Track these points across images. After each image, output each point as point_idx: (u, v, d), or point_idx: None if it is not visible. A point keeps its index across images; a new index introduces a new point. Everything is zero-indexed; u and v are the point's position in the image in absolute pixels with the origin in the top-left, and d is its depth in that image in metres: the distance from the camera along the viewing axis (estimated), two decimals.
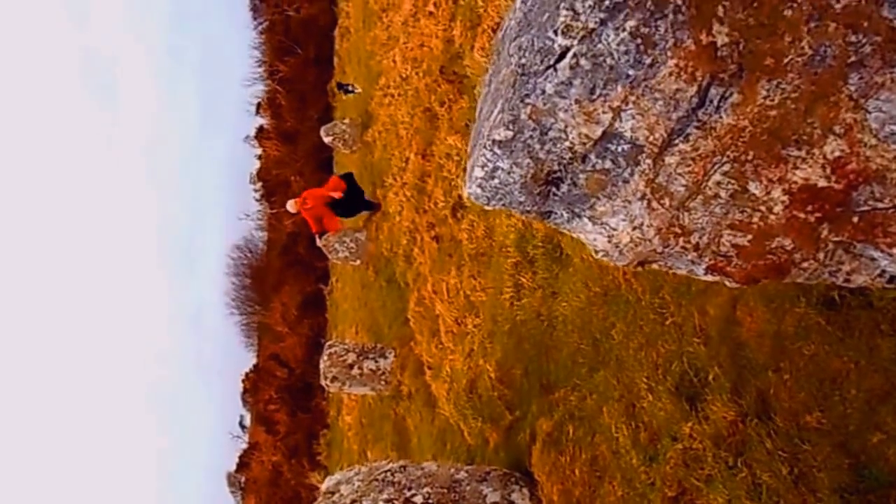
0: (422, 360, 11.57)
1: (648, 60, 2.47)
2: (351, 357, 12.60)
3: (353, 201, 15.42)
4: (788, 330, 3.93)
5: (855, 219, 2.64)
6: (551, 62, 2.56)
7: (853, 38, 2.40)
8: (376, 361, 12.69)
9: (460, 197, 10.92)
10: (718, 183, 2.58)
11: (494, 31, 10.12)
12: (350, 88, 18.46)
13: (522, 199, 2.82)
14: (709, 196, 2.61)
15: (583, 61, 2.52)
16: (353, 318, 16.78)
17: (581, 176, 2.69)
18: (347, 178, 15.89)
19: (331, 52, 24.12)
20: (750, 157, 2.54)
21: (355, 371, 12.51)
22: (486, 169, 2.81)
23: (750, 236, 2.66)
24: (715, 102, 2.49)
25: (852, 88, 2.47)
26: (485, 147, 2.78)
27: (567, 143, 2.66)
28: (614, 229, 2.72)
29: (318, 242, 15.87)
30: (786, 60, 2.48)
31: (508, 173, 2.77)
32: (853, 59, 2.43)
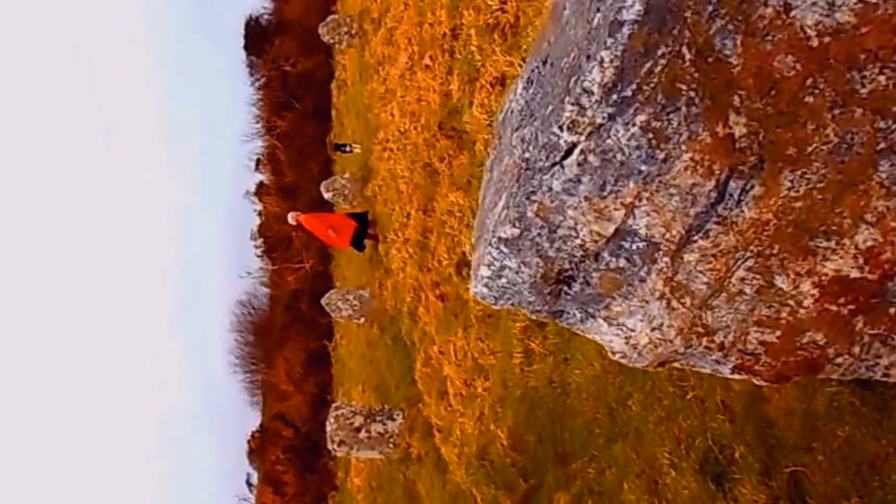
0: (431, 423, 11.31)
1: (661, 155, 2.32)
2: (358, 420, 12.36)
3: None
4: (819, 409, 3.73)
5: (892, 310, 2.48)
6: (557, 159, 2.42)
7: (882, 125, 2.26)
8: (384, 424, 12.44)
9: (464, 254, 10.77)
10: (742, 279, 2.43)
11: (493, 85, 10.04)
12: (348, 149, 18.43)
13: (532, 298, 2.66)
14: (733, 293, 2.44)
15: (591, 158, 2.38)
16: (360, 377, 16.54)
17: (594, 275, 2.54)
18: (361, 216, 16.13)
19: (328, 105, 24.23)
20: (775, 251, 2.38)
21: (363, 434, 12.25)
22: (492, 268, 2.66)
23: (779, 332, 2.49)
24: (735, 196, 2.34)
25: (883, 176, 2.32)
26: (490, 245, 2.63)
27: (578, 241, 2.51)
28: (632, 330, 2.55)
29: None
30: (809, 149, 2.34)
31: (516, 272, 2.62)
32: (882, 145, 2.28)
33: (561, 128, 2.38)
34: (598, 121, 2.34)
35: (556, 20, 2.78)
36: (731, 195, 2.35)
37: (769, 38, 2.26)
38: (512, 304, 2.71)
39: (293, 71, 25.29)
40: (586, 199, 2.43)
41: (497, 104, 9.79)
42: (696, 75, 2.27)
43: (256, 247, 26.01)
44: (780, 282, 2.42)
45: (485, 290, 2.73)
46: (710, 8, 2.23)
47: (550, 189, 2.46)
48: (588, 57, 2.36)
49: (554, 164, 2.43)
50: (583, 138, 2.37)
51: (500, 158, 2.99)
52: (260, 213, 26.37)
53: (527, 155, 2.55)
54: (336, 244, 16.33)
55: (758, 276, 2.41)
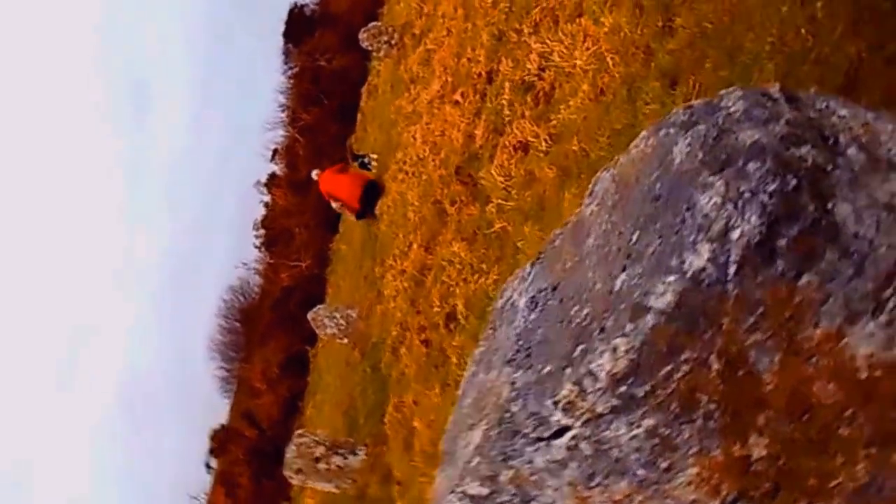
0: (392, 471, 10.98)
1: (665, 464, 1.98)
2: (320, 450, 12.01)
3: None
4: None
5: None
6: (545, 435, 2.07)
7: None
8: (345, 458, 12.09)
9: (456, 307, 10.43)
10: None
11: (515, 150, 9.67)
12: (366, 161, 18.12)
13: None
14: None
15: (583, 445, 2.03)
16: (333, 394, 16.23)
17: None
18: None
19: (356, 107, 23.84)
20: None
21: (321, 465, 11.91)
22: None
23: None
24: None
25: None
26: (455, 493, 2.28)
27: None
28: None
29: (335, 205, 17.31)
30: (833, 483, 1.99)
31: None
32: None
33: (556, 404, 2.04)
34: (599, 410, 2.00)
35: (577, 242, 2.43)
36: None
37: (813, 360, 1.92)
38: None
39: (328, 67, 24.88)
40: (570, 484, 2.09)
41: (516, 170, 9.40)
42: (720, 387, 1.93)
43: (257, 237, 25.53)
44: None
45: None
46: (751, 319, 1.89)
47: (531, 462, 2.11)
48: (602, 330, 2.01)
49: (540, 440, 2.08)
50: (578, 424, 2.02)
51: (489, 363, 2.65)
52: (267, 205, 25.84)
53: (513, 408, 2.20)
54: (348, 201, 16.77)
55: None
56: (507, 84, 10.68)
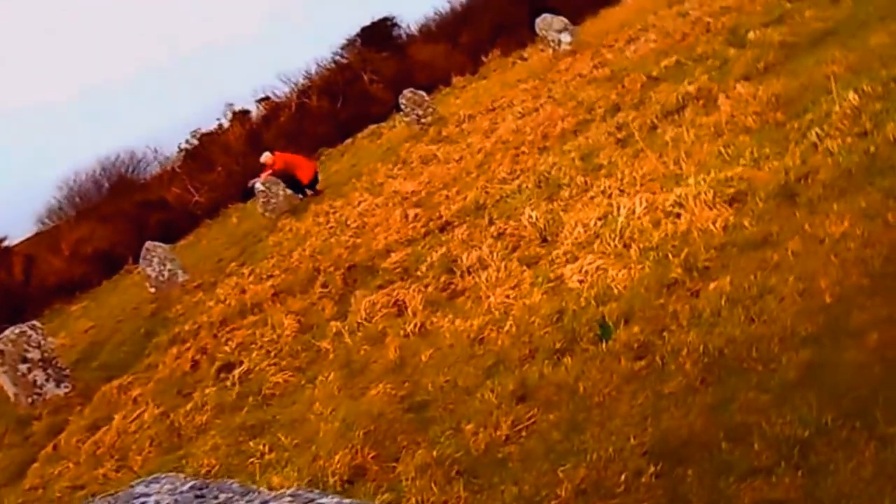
0: (63, 430, 10.22)
1: None
2: (35, 354, 11.18)
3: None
4: None
5: None
6: None
7: None
8: (47, 381, 11.28)
9: (239, 364, 9.97)
10: None
11: (391, 305, 9.37)
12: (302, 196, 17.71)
13: None
14: None
15: None
16: (103, 317, 15.37)
17: None
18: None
19: (353, 133, 23.75)
20: None
21: (22, 367, 11.07)
22: None
23: None
24: None
25: None
26: None
27: None
28: None
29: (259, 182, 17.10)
30: None
31: None
32: None
33: None
34: None
35: None
36: None
37: None
38: None
39: (366, 83, 24.87)
40: None
41: (378, 320, 9.03)
42: None
43: (187, 141, 24.41)
44: None
45: None
46: None
47: None
48: None
49: None
50: None
51: None
52: (220, 127, 24.88)
53: None
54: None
55: None
56: (444, 248, 10.47)
